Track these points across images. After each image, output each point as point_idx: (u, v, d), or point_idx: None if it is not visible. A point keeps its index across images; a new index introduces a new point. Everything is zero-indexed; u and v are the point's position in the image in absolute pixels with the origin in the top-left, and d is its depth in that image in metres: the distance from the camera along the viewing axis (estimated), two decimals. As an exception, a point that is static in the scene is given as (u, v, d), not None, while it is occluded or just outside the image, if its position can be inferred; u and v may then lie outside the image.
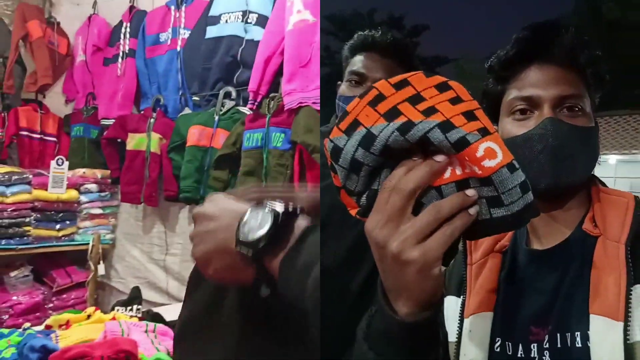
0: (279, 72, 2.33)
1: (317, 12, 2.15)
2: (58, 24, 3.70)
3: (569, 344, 0.73)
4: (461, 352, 0.83)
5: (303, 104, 2.16)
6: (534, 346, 0.77)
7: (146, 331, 1.69)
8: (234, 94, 2.53)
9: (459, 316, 0.86)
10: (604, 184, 0.86)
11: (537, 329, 0.77)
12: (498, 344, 0.81)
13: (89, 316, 1.84)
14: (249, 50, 2.45)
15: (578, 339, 0.72)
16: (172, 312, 2.05)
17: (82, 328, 1.75)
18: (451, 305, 0.90)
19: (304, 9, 2.19)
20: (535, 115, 0.80)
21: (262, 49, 2.36)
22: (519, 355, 0.78)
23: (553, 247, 0.82)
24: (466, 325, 0.85)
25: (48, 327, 1.79)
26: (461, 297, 0.88)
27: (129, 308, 1.95)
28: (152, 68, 3.02)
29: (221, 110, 2.55)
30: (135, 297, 2.04)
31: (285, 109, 2.22)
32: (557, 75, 0.80)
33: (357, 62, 1.27)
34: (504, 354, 0.79)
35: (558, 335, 0.74)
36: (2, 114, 3.53)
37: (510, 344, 0.79)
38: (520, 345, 0.78)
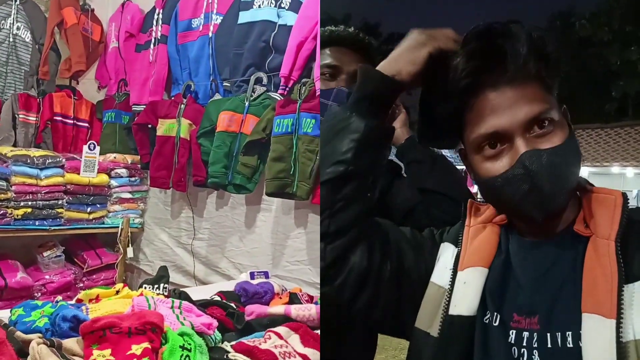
0: (311, 57, 2.32)
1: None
2: (92, 10, 3.77)
3: (559, 344, 0.72)
4: (452, 302, 0.83)
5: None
6: (512, 332, 0.77)
7: (172, 307, 1.70)
8: (265, 80, 2.53)
9: (453, 267, 0.86)
10: (590, 184, 0.84)
11: (519, 317, 0.77)
12: (487, 315, 0.80)
13: (117, 292, 1.86)
14: (281, 36, 2.45)
15: (569, 338, 0.71)
16: (198, 292, 2.07)
17: (111, 302, 1.77)
18: (446, 251, 0.90)
19: (337, -7, 2.17)
20: (507, 148, 0.76)
21: (295, 34, 2.35)
22: (497, 334, 0.78)
23: (542, 240, 0.81)
24: (460, 277, 0.84)
25: (79, 301, 1.82)
26: (457, 248, 0.88)
27: (155, 286, 1.97)
28: (183, 54, 3.04)
29: (252, 96, 2.55)
30: (162, 276, 2.06)
31: (317, 94, 2.21)
32: (515, 96, 0.74)
33: (327, 57, 1.29)
34: (491, 325, 0.79)
35: (548, 335, 0.73)
36: (38, 100, 3.61)
37: (498, 315, 0.79)
38: (501, 325, 0.78)
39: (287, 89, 2.36)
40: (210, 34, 2.83)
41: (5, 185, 2.83)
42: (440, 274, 0.87)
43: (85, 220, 3.19)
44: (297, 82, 2.35)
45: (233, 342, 1.60)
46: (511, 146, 0.75)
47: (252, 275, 2.27)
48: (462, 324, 0.80)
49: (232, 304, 1.94)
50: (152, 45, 3.23)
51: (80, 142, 3.58)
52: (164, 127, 3.03)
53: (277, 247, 2.51)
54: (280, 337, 1.63)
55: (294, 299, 2.01)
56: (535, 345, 0.74)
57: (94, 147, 3.21)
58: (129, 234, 3.23)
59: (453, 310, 0.82)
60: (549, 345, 0.73)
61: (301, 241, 2.40)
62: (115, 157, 3.34)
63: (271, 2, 2.54)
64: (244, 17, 2.63)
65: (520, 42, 0.74)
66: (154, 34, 3.22)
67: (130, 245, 3.20)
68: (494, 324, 0.79)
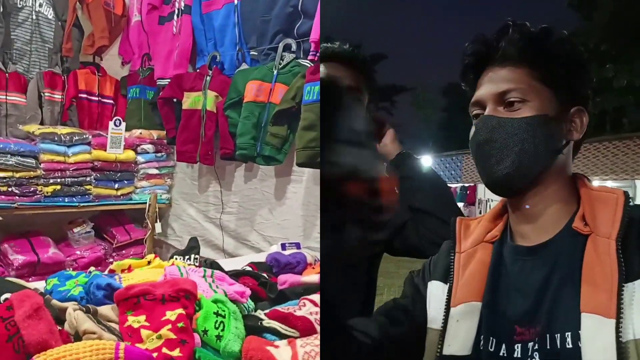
0: (341, 20, 2.22)
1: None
2: (115, -16, 3.72)
3: (559, 345, 0.71)
4: (445, 342, 0.82)
5: (367, 51, 2.05)
6: (517, 346, 0.75)
7: (204, 276, 1.68)
8: (294, 46, 2.44)
9: (445, 304, 0.85)
10: (590, 181, 0.84)
11: (522, 328, 0.76)
12: (482, 341, 0.80)
13: (149, 262, 1.85)
14: (311, -1, 2.35)
15: (569, 339, 0.71)
16: (229, 264, 2.04)
17: (144, 272, 1.76)
18: (436, 290, 0.89)
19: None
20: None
21: (324, -4, 2.25)
22: (501, 353, 0.77)
23: (539, 244, 0.80)
24: (453, 314, 0.83)
25: (111, 271, 1.82)
26: (447, 284, 0.87)
27: (187, 257, 1.94)
28: (208, 24, 2.97)
29: (280, 63, 2.47)
30: (193, 247, 2.03)
31: (348, 57, 2.12)
32: (498, 75, 0.82)
33: (321, 72, 1.31)
34: (486, 350, 0.78)
35: (547, 336, 0.72)
36: (62, 77, 3.59)
37: (494, 340, 0.78)
38: (503, 344, 0.77)
39: (318, 54, 2.27)
40: (235, 1, 2.75)
41: (34, 163, 2.83)
42: (434, 317, 0.87)
43: (114, 197, 3.19)
44: (328, 47, 2.26)
45: (267, 310, 1.57)
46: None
47: (283, 247, 2.22)
48: None
49: (264, 274, 1.90)
50: (175, 17, 3.16)
51: (106, 119, 3.56)
52: (189, 101, 2.98)
53: (308, 218, 2.44)
54: (315, 304, 1.60)
55: (328, 268, 1.96)
56: (536, 347, 0.73)
57: (120, 124, 3.19)
58: (157, 209, 3.22)
59: (447, 350, 0.81)
60: (548, 347, 0.72)
61: (334, 211, 2.34)
62: (141, 133, 3.31)
63: (299, -36, 2.44)
64: (271, -19, 2.54)
65: (509, 33, 0.83)
66: (177, 4, 3.16)
67: (158, 220, 3.19)
68: (490, 350, 0.78)
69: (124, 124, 3.21)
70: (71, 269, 2.90)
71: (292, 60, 2.44)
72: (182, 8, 3.11)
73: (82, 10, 3.71)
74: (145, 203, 3.21)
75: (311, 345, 1.39)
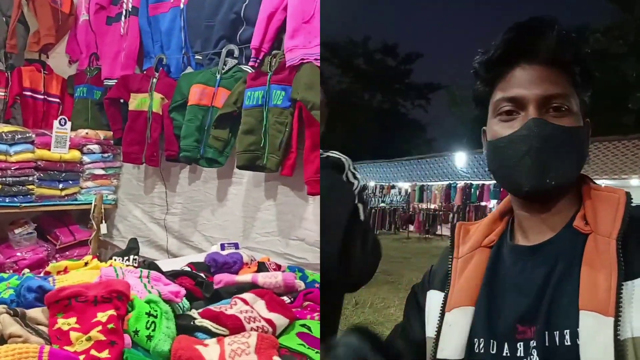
0: (281, 29, 2.30)
1: (320, -34, 2.11)
2: (62, -18, 3.66)
3: (557, 342, 0.72)
4: (439, 347, 0.83)
5: (305, 61, 2.13)
6: (520, 345, 0.75)
7: (140, 277, 1.71)
8: (236, 52, 2.51)
9: (440, 310, 0.86)
10: (593, 182, 0.85)
11: (523, 327, 0.76)
12: (481, 344, 0.79)
13: (86, 263, 1.86)
14: (253, 7, 2.41)
15: (567, 336, 0.71)
16: (169, 264, 2.08)
17: (79, 273, 1.77)
18: (434, 299, 0.90)
19: (307, -37, 2.14)
20: (521, 116, 0.79)
21: (265, 5, 2.32)
22: (504, 354, 0.76)
23: (539, 243, 0.81)
24: (447, 320, 0.84)
25: (47, 273, 1.82)
26: (445, 291, 0.88)
27: (125, 258, 1.98)
28: (155, 26, 2.99)
29: (223, 68, 2.53)
30: (132, 247, 2.07)
31: (287, 65, 2.20)
32: (542, 75, 0.79)
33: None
34: (487, 353, 0.78)
35: (546, 333, 0.73)
36: (6, 74, 3.52)
37: (495, 342, 0.78)
38: (506, 343, 0.77)
39: (258, 61, 2.34)
40: (181, 6, 2.79)
41: (-26, 161, 2.77)
42: (431, 326, 0.87)
43: (58, 197, 3.15)
44: (268, 54, 2.34)
45: (201, 310, 1.62)
46: (525, 115, 0.79)
47: (222, 247, 2.29)
48: None
49: (202, 274, 1.95)
50: (123, 18, 3.16)
51: (52, 118, 3.49)
52: (136, 102, 2.99)
53: (247, 219, 2.52)
54: (246, 302, 1.65)
55: (262, 267, 2.04)
56: (534, 345, 0.74)
57: (65, 123, 3.16)
58: (102, 210, 3.20)
59: (440, 354, 0.82)
60: (547, 344, 0.72)
61: (271, 213, 2.42)
62: (87, 133, 3.29)
63: (242, -27, 2.50)
64: (215, -13, 2.59)
65: (554, 29, 0.79)
66: (124, 5, 3.16)
67: (103, 221, 3.17)
68: (492, 352, 0.78)
69: (69, 124, 3.18)
70: (11, 271, 2.87)
71: (235, 66, 2.50)
72: (130, 9, 3.12)
73: (28, 7, 3.64)
74: (91, 204, 3.19)
75: (238, 343, 1.45)
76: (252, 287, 1.78)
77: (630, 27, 14.31)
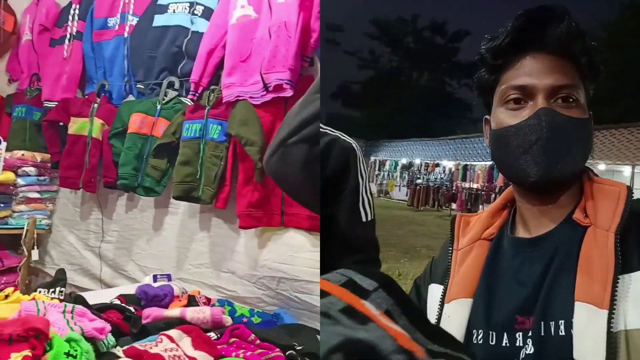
0: (220, 65, 2.35)
1: (260, 8, 2.19)
2: (5, 0, 3.60)
3: (552, 332, 0.72)
4: None
5: (241, 98, 2.20)
6: (519, 335, 0.76)
7: (64, 312, 1.67)
8: (177, 84, 2.54)
9: (440, 302, 0.87)
10: (595, 174, 0.85)
11: (522, 317, 0.77)
12: (480, 335, 0.80)
13: (7, 296, 1.81)
14: (194, 42, 2.47)
15: (562, 327, 0.71)
16: (100, 296, 2.05)
17: (-2, 307, 1.72)
18: (434, 292, 0.90)
19: (247, 4, 2.23)
20: (529, 105, 0.79)
21: (205, 41, 2.38)
22: (503, 344, 0.77)
23: (539, 235, 0.82)
24: (445, 311, 0.85)
25: (-36, 306, 1.76)
26: (444, 284, 0.89)
27: (51, 290, 1.94)
28: (98, 52, 2.98)
29: (164, 99, 2.55)
30: (59, 279, 2.02)
31: (223, 101, 2.26)
32: (551, 65, 0.79)
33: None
34: (486, 344, 0.78)
35: (542, 323, 0.73)
36: (-60, 90, 3.40)
37: (494, 333, 0.78)
38: (505, 334, 0.77)
39: (197, 94, 2.38)
40: (125, 35, 2.80)
41: None
42: (431, 318, 0.87)
43: (-13, 220, 3.04)
44: (207, 89, 2.38)
45: (125, 347, 1.61)
46: (534, 105, 0.78)
47: (154, 278, 2.27)
48: None
49: (131, 308, 1.93)
50: (67, 41, 3.13)
51: (-14, 137, 3.39)
52: (76, 126, 2.96)
53: (181, 250, 2.52)
54: (172, 340, 1.65)
55: (192, 301, 2.04)
56: (529, 334, 0.74)
57: (0, 143, 3.07)
58: (35, 235, 3.10)
59: None
60: (542, 334, 0.73)
61: (204, 244, 2.44)
62: (23, 155, 3.20)
63: (185, 8, 2.55)
64: (159, 20, 2.62)
65: (564, 20, 0.79)
66: (69, 29, 3.13)
67: (35, 247, 3.07)
68: (491, 343, 0.78)
69: (4, 144, 3.09)
70: None
71: (175, 97, 2.54)
72: (74, 34, 3.10)
73: (-33, 22, 3.55)
74: (23, 228, 3.09)
75: (160, 384, 1.45)
76: (180, 322, 1.78)
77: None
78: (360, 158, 1.30)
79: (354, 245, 1.25)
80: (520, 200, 0.86)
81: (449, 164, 15.25)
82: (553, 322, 0.73)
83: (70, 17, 3.14)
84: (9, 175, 3.10)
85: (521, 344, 0.75)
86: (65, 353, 1.45)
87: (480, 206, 12.76)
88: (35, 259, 3.05)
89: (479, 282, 0.84)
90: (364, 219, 1.26)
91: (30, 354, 1.39)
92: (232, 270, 2.29)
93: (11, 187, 3.13)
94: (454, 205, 13.60)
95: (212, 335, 1.77)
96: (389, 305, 0.52)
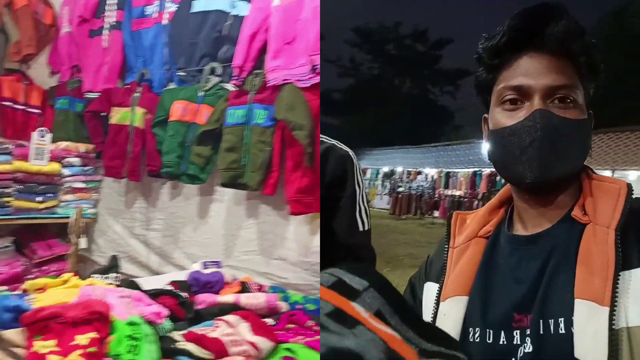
0: (264, 49, 2.32)
1: (304, -12, 2.14)
2: (44, -7, 3.64)
3: (551, 330, 0.72)
4: None
5: (287, 81, 2.16)
6: (516, 333, 0.76)
7: (121, 296, 1.70)
8: (219, 70, 2.52)
9: (435, 300, 0.86)
10: (594, 172, 0.84)
11: (520, 315, 0.76)
12: (477, 333, 0.79)
13: (65, 281, 1.84)
14: (235, 26, 2.44)
15: (562, 324, 0.71)
16: (151, 282, 2.07)
17: (58, 292, 1.75)
18: (430, 291, 0.90)
19: (291, -15, 2.18)
20: (526, 106, 0.78)
21: (247, 25, 2.35)
22: (501, 342, 0.76)
23: (537, 233, 0.81)
24: (441, 309, 0.85)
25: (24, 291, 1.80)
26: (439, 283, 0.88)
27: (105, 276, 1.96)
28: (138, 41, 2.99)
29: (206, 86, 2.54)
30: (112, 265, 2.05)
31: (268, 85, 2.23)
32: (549, 65, 0.78)
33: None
34: (483, 342, 0.78)
35: (541, 321, 0.73)
36: (-15, 83, 3.46)
37: (491, 331, 0.78)
38: (502, 332, 0.77)
39: (240, 79, 2.36)
40: (165, 22, 2.80)
41: (-50, 172, 2.73)
42: (427, 317, 0.87)
43: (36, 210, 3.09)
44: (250, 73, 2.36)
45: (183, 331, 1.62)
46: (530, 105, 0.77)
47: (204, 265, 2.28)
48: None
49: (184, 294, 1.95)
50: (106, 31, 3.16)
51: (31, 129, 3.43)
52: (118, 116, 2.98)
53: (229, 237, 2.52)
54: (229, 325, 1.66)
55: (244, 288, 2.04)
56: (528, 333, 0.74)
57: (44, 134, 3.12)
58: (82, 224, 3.16)
59: None
60: (541, 332, 0.72)
61: (252, 232, 2.43)
62: (67, 145, 3.25)
63: (225, -8, 2.53)
64: (198, 5, 2.61)
65: (562, 19, 0.77)
66: (107, 19, 3.15)
67: (82, 236, 3.13)
68: (488, 341, 0.78)
69: (49, 135, 3.14)
70: (-13, 285, 2.81)
71: (217, 83, 2.52)
72: (113, 23, 3.11)
73: (9, 16, 3.60)
74: (70, 217, 3.15)
75: (224, 368, 1.45)
76: (234, 308, 1.78)
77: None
78: (357, 166, 1.30)
79: (351, 255, 1.25)
80: (518, 199, 0.85)
81: (431, 172, 15.10)
82: (552, 320, 0.72)
83: (108, 7, 3.16)
84: (55, 166, 3.15)
85: (519, 342, 0.74)
86: (128, 336, 1.47)
87: (464, 213, 12.67)
88: (83, 247, 3.11)
89: (475, 280, 0.83)
90: (361, 228, 1.27)
91: (96, 335, 1.41)
92: (283, 257, 2.28)
93: (57, 178, 3.18)
94: (436, 213, 13.53)
95: (269, 321, 1.76)
96: (380, 305, 0.52)
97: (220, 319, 1.69)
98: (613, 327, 0.67)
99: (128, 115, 2.91)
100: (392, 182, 16.28)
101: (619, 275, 0.69)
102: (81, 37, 3.40)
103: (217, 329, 1.65)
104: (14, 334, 1.36)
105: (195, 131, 2.51)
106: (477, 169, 13.17)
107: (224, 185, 2.35)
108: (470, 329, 0.80)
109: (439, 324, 0.83)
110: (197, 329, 1.64)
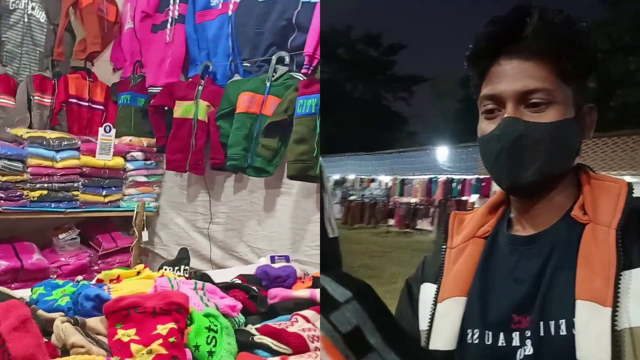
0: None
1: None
2: (108, -9, 3.71)
3: (552, 332, 0.70)
4: (431, 337, 0.81)
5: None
6: (515, 334, 0.74)
7: (195, 288, 1.66)
8: (287, 59, 2.46)
9: (433, 301, 0.85)
10: (593, 171, 0.83)
11: (519, 317, 0.75)
12: (476, 334, 0.78)
13: (138, 273, 1.83)
14: (305, 13, 2.37)
15: (563, 326, 0.70)
16: (218, 276, 2.03)
17: (133, 282, 1.74)
18: (427, 292, 0.88)
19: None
20: (502, 114, 0.78)
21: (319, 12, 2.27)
22: (499, 344, 0.75)
23: (536, 233, 0.80)
24: (439, 310, 0.83)
25: (99, 281, 1.80)
26: (437, 283, 0.87)
27: (176, 268, 1.93)
28: (201, 34, 2.98)
29: (273, 76, 2.49)
30: (183, 257, 2.02)
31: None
32: (520, 69, 0.76)
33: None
34: (482, 343, 0.77)
35: (541, 323, 0.72)
36: (53, 81, 3.56)
37: (490, 333, 0.77)
38: (501, 333, 0.75)
39: (311, 68, 2.29)
40: (229, 13, 2.77)
41: (21, 167, 2.80)
42: (424, 318, 0.86)
43: (101, 204, 3.16)
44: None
45: (258, 325, 1.57)
46: (504, 113, 0.78)
47: (272, 259, 2.22)
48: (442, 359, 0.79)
49: (254, 287, 1.90)
50: (168, 25, 3.17)
51: (95, 125, 3.53)
52: (181, 110, 2.98)
53: (297, 231, 2.45)
54: (307, 320, 1.59)
55: (317, 283, 1.96)
56: (528, 335, 0.72)
57: (110, 130, 3.17)
58: (144, 217, 3.19)
59: (433, 345, 0.81)
60: (542, 334, 0.71)
61: (323, 225, 2.35)
62: (130, 140, 3.30)
63: (294, -21, 2.46)
64: (265, -6, 2.56)
65: (532, 18, 0.76)
66: (170, 13, 3.16)
67: (145, 229, 3.16)
68: (487, 343, 0.77)
69: (113, 131, 3.19)
70: (55, 276, 2.87)
71: (285, 73, 2.46)
72: (176, 17, 3.12)
73: (75, 15, 3.69)
74: (133, 211, 3.19)
75: (304, 363, 1.38)
76: (310, 303, 1.71)
77: (615, 24, 13.83)
78: (323, 173, 1.19)
79: (321, 262, 1.17)
80: (514, 200, 0.85)
81: (385, 179, 14.50)
82: (553, 322, 0.71)
83: (171, 1, 3.17)
84: (119, 161, 3.20)
85: (518, 344, 0.74)
86: (206, 327, 1.44)
87: (419, 221, 12.19)
88: (146, 239, 3.14)
89: (474, 280, 0.82)
90: (330, 235, 1.18)
91: (175, 326, 1.37)
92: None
93: (121, 172, 3.23)
94: (391, 222, 12.97)
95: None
96: (360, 321, 0.51)
97: (297, 314, 1.63)
98: (616, 328, 0.66)
99: (191, 109, 2.90)
100: (343, 190, 15.88)
101: (621, 275, 0.69)
102: (144, 32, 3.44)
103: (294, 324, 1.59)
104: (97, 322, 1.36)
105: (262, 123, 2.46)
106: (432, 176, 12.78)
107: (292, 177, 2.28)
108: (469, 330, 0.79)
109: (437, 325, 0.82)
110: (273, 323, 1.58)
